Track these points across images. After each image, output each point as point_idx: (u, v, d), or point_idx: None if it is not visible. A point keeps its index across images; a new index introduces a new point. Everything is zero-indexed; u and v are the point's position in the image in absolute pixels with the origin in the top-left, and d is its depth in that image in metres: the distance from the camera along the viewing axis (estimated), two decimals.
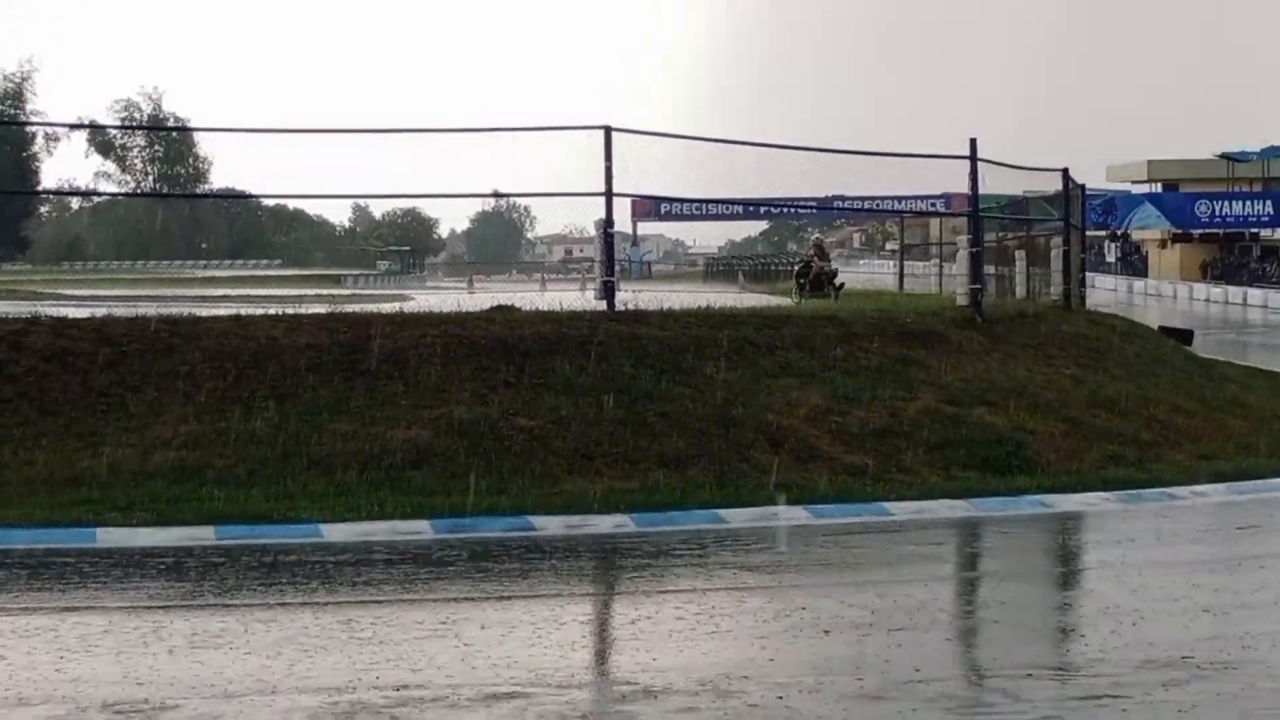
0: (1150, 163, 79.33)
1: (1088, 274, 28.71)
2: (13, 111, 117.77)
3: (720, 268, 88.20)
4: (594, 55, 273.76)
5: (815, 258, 33.41)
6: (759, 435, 14.20)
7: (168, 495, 12.06)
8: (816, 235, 45.13)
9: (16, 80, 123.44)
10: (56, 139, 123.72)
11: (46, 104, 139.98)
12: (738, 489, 12.93)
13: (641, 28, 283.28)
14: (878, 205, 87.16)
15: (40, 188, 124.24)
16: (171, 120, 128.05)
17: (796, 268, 34.98)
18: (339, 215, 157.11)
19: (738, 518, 11.97)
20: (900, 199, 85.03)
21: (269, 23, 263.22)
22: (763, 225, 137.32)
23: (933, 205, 78.17)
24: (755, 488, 13.00)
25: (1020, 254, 24.99)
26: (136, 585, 9.74)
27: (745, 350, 16.14)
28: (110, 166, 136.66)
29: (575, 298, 22.21)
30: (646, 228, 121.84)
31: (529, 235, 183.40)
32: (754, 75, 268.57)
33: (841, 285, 31.47)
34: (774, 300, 30.09)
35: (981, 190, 19.91)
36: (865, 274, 66.43)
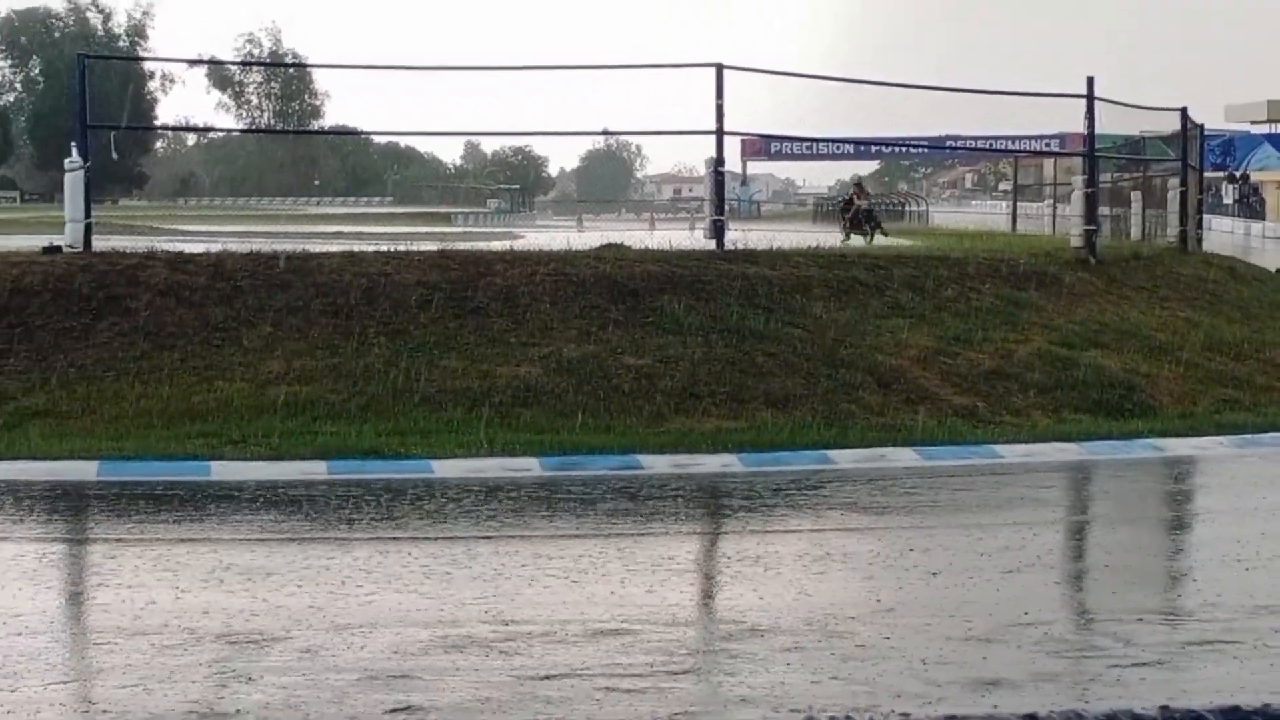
0: (1270, 103, 77.51)
1: (1205, 216, 28.14)
2: (135, 46, 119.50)
3: (830, 208, 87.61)
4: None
5: (856, 196, 35.87)
6: (867, 376, 14.11)
7: (281, 429, 12.20)
8: (856, 175, 50.35)
9: (138, 16, 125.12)
10: (173, 80, 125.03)
11: (167, 40, 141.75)
12: (845, 430, 12.86)
13: None
14: (991, 145, 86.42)
15: (158, 124, 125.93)
16: (290, 56, 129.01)
17: (840, 206, 38.37)
18: (450, 153, 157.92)
19: (845, 458, 11.91)
20: (1014, 139, 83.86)
21: None
22: (873, 165, 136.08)
23: (1047, 145, 77.17)
24: (864, 428, 12.93)
25: (1136, 195, 24.57)
26: (250, 519, 9.87)
27: (854, 290, 16.03)
28: (227, 100, 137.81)
29: (684, 237, 22.18)
30: (756, 167, 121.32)
31: (638, 174, 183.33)
32: (863, 15, 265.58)
33: (878, 224, 33.74)
34: (884, 240, 29.82)
35: (1098, 130, 19.56)
36: (977, 215, 65.57)
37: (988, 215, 63.50)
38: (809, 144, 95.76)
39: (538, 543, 9.18)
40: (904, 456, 12.04)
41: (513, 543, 9.16)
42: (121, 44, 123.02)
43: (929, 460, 11.97)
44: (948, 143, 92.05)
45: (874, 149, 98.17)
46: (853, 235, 32.11)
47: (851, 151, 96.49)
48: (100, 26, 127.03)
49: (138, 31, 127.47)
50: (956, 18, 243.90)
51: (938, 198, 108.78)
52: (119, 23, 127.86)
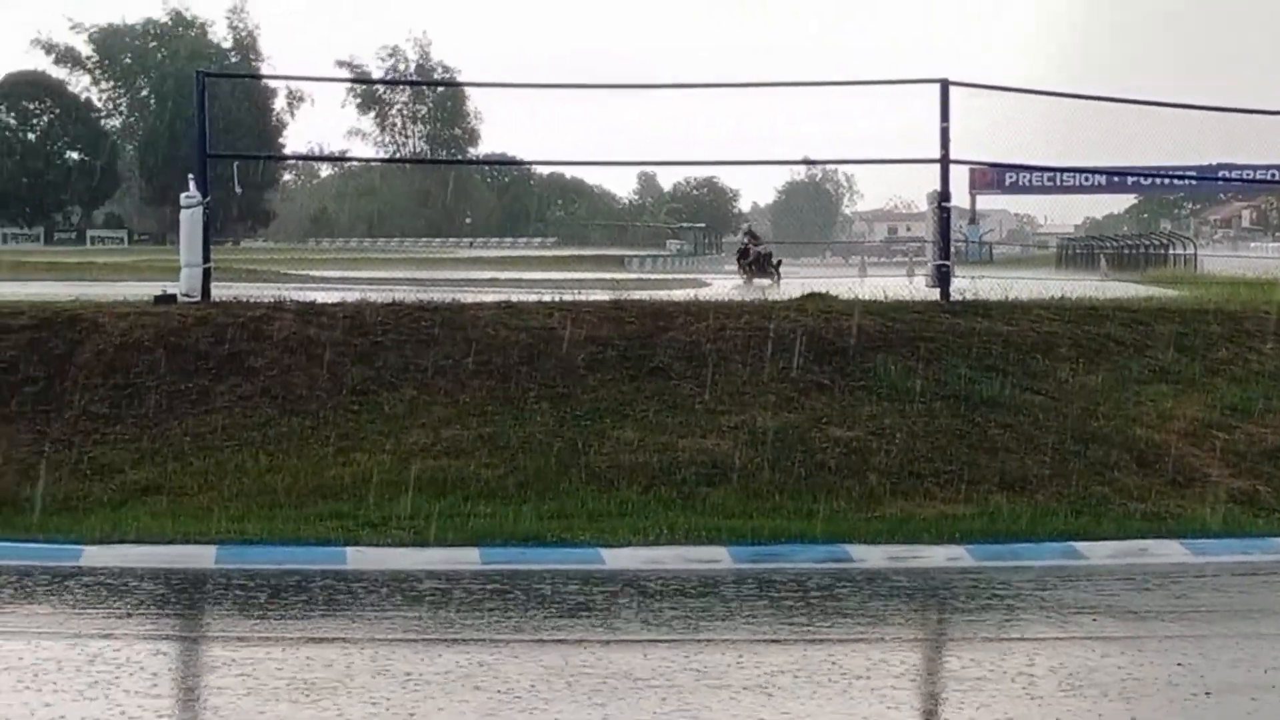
0: None
1: None
2: (251, 62, 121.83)
3: (1077, 250, 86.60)
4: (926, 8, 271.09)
5: (750, 243, 48.19)
6: (1124, 453, 13.90)
7: (427, 510, 12.34)
8: (747, 224, 63.61)
9: (243, 29, 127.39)
10: (300, 99, 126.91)
11: (290, 56, 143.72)
12: (1098, 517, 12.67)
13: None
14: (1275, 176, 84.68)
15: (286, 152, 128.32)
16: (439, 73, 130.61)
17: (736, 254, 49.31)
18: (623, 187, 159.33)
19: (1098, 552, 11.72)
20: None
21: None
22: (1129, 199, 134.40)
23: None
24: (1120, 516, 12.73)
25: None
26: (391, 616, 9.97)
27: (1108, 350, 15.82)
28: (367, 125, 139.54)
29: (901, 285, 22.08)
30: (986, 202, 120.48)
31: (846, 210, 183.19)
32: (1109, 31, 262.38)
33: (779, 263, 45.81)
34: (1143, 290, 29.42)
35: None
36: (1257, 260, 64.32)
37: (1270, 260, 62.28)
38: (1050, 175, 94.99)
39: (726, 648, 9.14)
40: (1169, 550, 11.82)
41: (696, 648, 9.13)
42: (233, 60, 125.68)
43: (1200, 555, 11.74)
44: (1220, 173, 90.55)
45: (1130, 180, 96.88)
46: (754, 280, 40.92)
47: (1103, 184, 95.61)
48: (206, 43, 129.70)
49: (248, 46, 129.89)
50: (1227, 22, 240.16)
51: (1208, 238, 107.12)
52: (220, 35, 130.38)
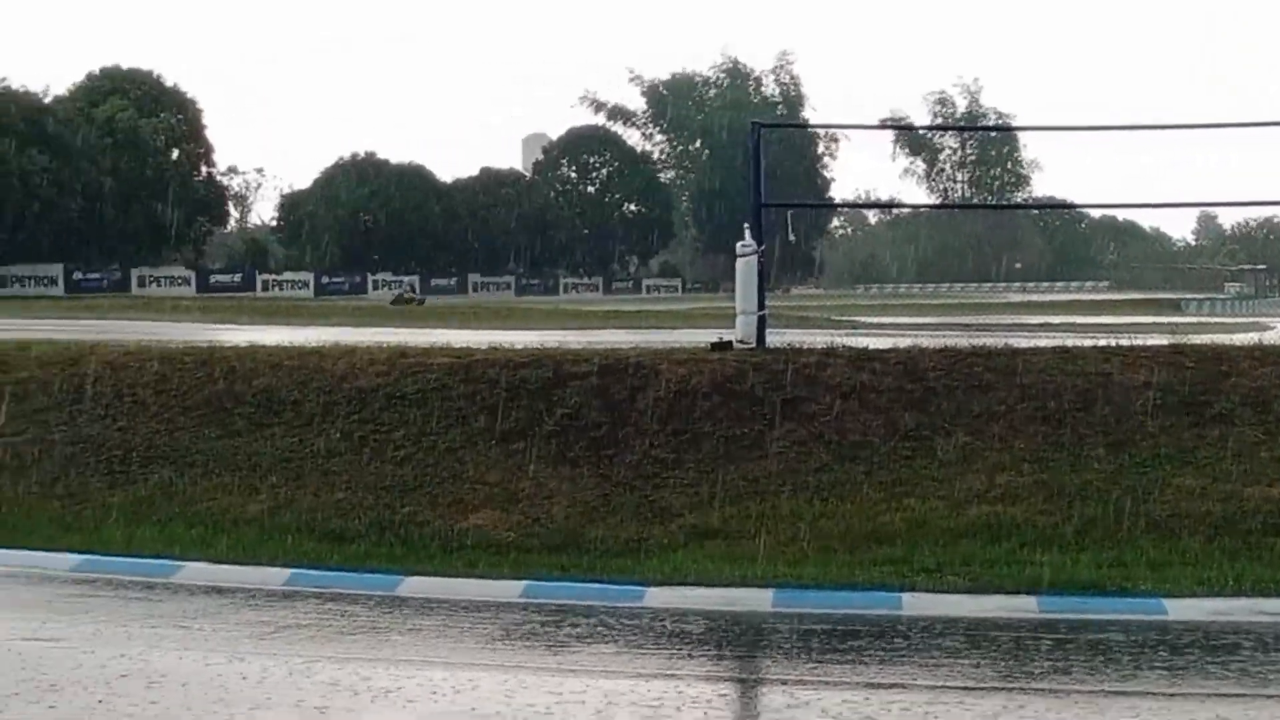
0: None
1: None
2: (796, 112, 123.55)
3: None
4: None
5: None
6: None
7: (982, 556, 12.26)
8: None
9: (787, 80, 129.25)
10: (836, 140, 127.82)
11: (830, 102, 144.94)
12: None
13: None
14: None
15: (836, 200, 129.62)
16: (990, 118, 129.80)
17: None
18: (1179, 228, 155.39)
19: None
20: None
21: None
22: None
23: None
24: None
25: None
26: (948, 662, 9.91)
27: None
28: (915, 169, 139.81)
29: None
30: None
31: None
32: None
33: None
34: None
35: None
36: None
37: None
38: None
39: None
40: None
41: (1266, 704, 8.78)
42: (780, 111, 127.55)
43: None
44: None
45: None
46: None
47: None
48: (753, 93, 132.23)
49: (793, 97, 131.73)
50: None
51: None
52: (768, 87, 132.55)
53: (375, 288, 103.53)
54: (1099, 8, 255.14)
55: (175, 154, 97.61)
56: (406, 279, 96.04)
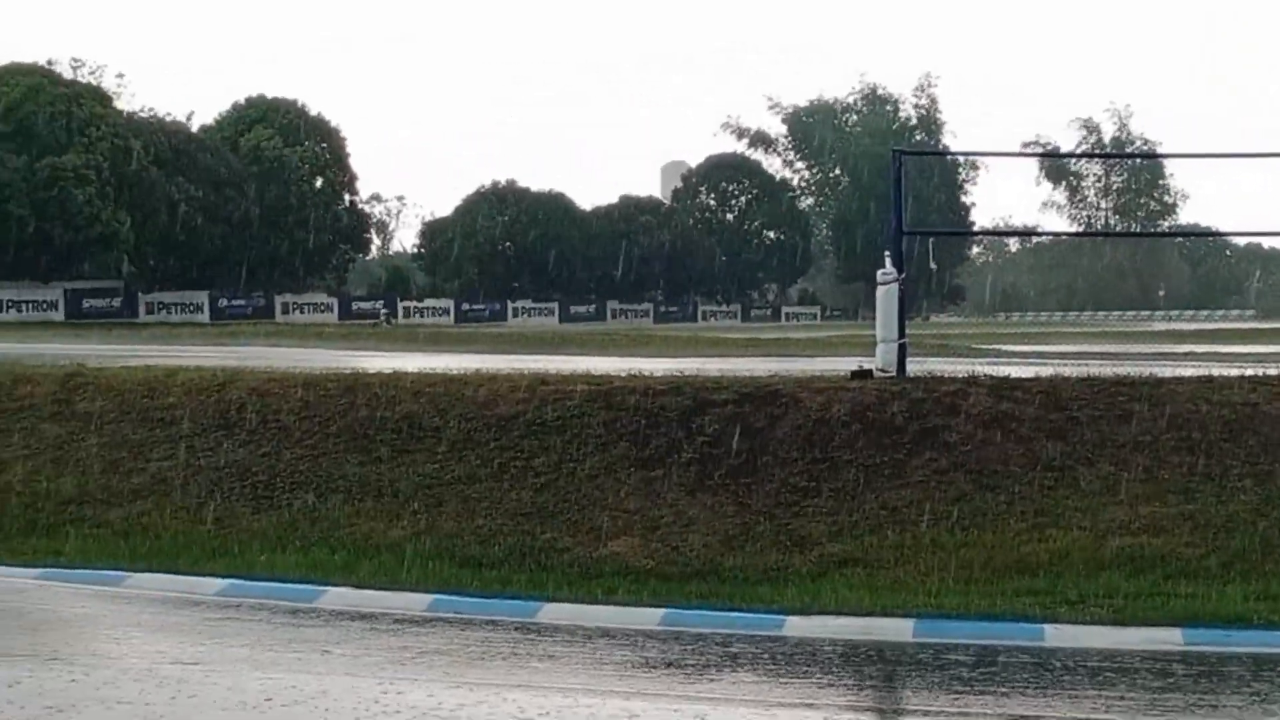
0: None
1: None
2: (933, 139, 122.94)
3: None
4: None
5: None
6: None
7: (1125, 589, 12.13)
8: None
9: (925, 104, 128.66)
10: (976, 167, 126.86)
11: (972, 127, 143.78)
12: None
13: None
14: None
15: (976, 228, 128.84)
16: (1138, 145, 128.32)
17: None
18: None
19: None
20: None
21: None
22: None
23: None
24: None
25: None
26: (1091, 693, 9.81)
27: None
28: (1060, 196, 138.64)
29: None
30: None
31: None
32: None
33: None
34: None
35: None
36: None
37: None
38: None
39: None
40: None
41: None
42: (919, 137, 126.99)
43: None
44: None
45: None
46: None
47: None
48: (892, 117, 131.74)
49: (932, 122, 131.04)
50: None
51: None
52: (905, 112, 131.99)
53: (515, 315, 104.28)
54: (1246, 32, 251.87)
55: (319, 182, 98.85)
56: (384, 309, 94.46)
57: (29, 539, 15.26)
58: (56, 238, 76.12)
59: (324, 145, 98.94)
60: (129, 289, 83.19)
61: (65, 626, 11.67)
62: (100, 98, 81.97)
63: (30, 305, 77.07)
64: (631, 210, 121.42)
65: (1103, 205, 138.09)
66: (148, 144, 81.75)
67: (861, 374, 16.62)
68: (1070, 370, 17.36)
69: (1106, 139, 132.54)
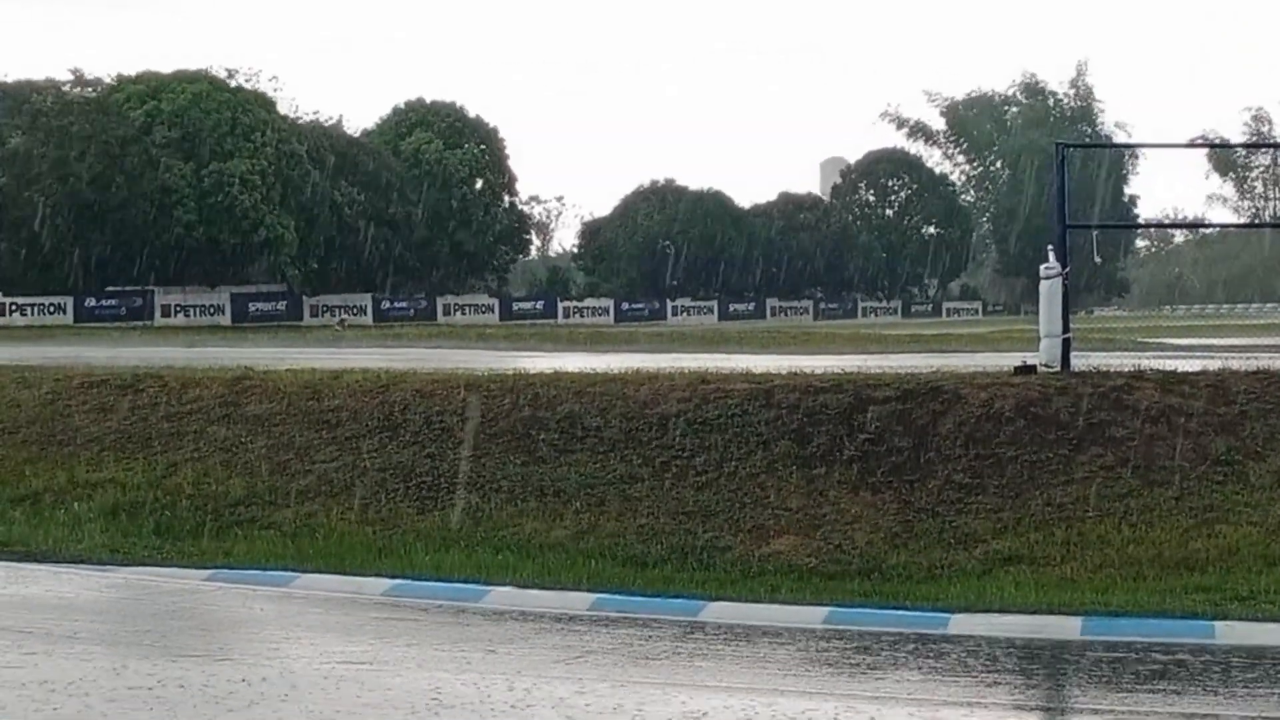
0: None
1: None
2: (1094, 130, 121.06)
3: None
4: None
5: None
6: None
7: None
8: None
9: (1087, 95, 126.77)
10: (1136, 157, 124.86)
11: (1134, 118, 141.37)
12: None
13: None
14: None
15: (1141, 220, 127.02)
16: None
17: None
18: None
19: None
20: None
21: None
22: None
23: None
24: None
25: None
26: (1264, 691, 9.63)
27: None
28: (1228, 190, 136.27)
29: None
30: None
31: None
32: None
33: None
34: None
35: None
36: None
37: None
38: None
39: None
40: None
41: None
42: (1082, 129, 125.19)
43: None
44: None
45: None
46: None
47: None
48: (1052, 108, 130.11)
49: (1094, 115, 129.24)
50: None
51: None
52: (1071, 105, 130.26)
53: (674, 313, 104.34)
54: None
55: (479, 184, 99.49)
56: (345, 313, 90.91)
57: (199, 540, 15.52)
58: (223, 242, 77.39)
59: (483, 147, 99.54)
60: (293, 292, 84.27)
61: (236, 626, 11.86)
62: (264, 103, 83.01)
63: (197, 310, 78.53)
64: (790, 207, 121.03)
65: (1271, 196, 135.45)
66: (311, 149, 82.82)
67: (1025, 369, 16.47)
68: (1238, 363, 17.07)
69: (1276, 130, 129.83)
